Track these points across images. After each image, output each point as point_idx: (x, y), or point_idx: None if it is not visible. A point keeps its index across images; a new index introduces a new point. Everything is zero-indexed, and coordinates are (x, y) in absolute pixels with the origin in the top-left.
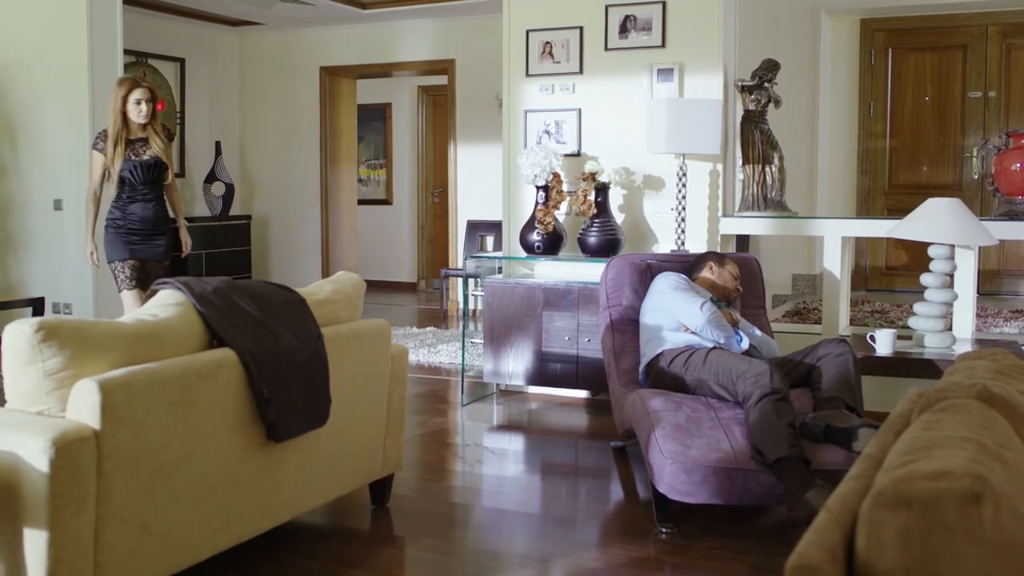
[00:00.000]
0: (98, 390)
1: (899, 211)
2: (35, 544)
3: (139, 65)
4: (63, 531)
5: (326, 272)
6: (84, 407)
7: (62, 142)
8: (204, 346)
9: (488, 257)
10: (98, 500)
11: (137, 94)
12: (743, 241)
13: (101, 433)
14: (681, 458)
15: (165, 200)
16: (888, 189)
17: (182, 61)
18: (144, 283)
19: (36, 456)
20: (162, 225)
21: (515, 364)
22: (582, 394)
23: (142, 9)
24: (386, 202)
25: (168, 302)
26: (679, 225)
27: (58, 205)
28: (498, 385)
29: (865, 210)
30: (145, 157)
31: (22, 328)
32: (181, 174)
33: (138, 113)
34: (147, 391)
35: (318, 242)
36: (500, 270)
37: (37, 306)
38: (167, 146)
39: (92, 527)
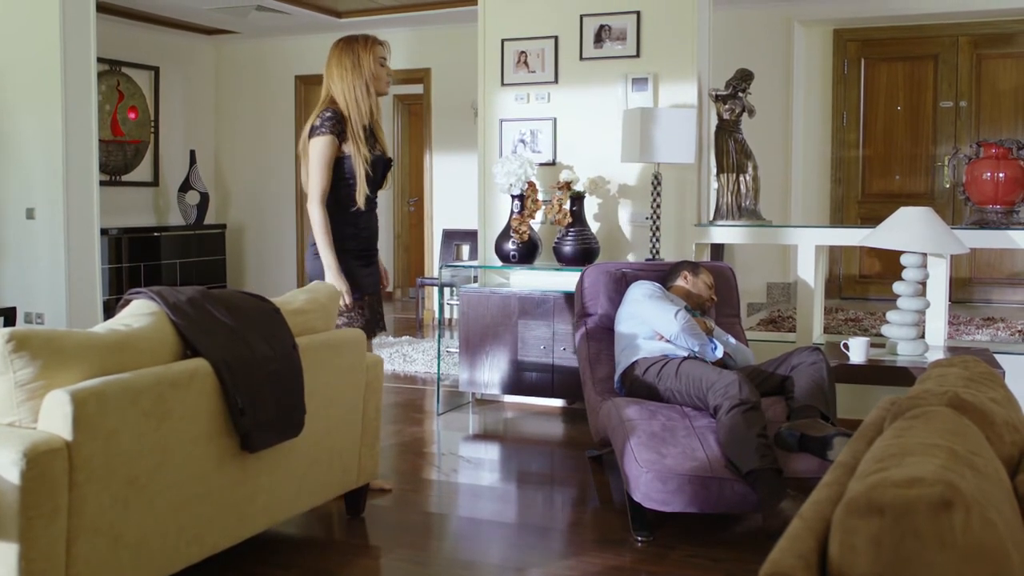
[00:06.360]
0: (70, 401)
1: (872, 220)
2: (6, 557)
3: (113, 73)
4: (34, 543)
5: (301, 282)
6: (56, 418)
7: (35, 151)
8: (178, 356)
9: (464, 266)
10: (70, 512)
11: (382, 51)
12: (718, 250)
13: (73, 444)
14: (656, 467)
15: None
16: (861, 198)
17: (156, 69)
18: (371, 328)
19: (7, 468)
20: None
21: (491, 373)
22: (558, 403)
23: (116, 17)
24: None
25: (141, 312)
26: (654, 234)
27: (30, 214)
28: (474, 394)
29: (839, 219)
30: (378, 152)
31: None
32: (155, 183)
33: (386, 80)
34: (120, 401)
35: (293, 251)
36: (476, 279)
37: (9, 316)
38: None
39: (64, 539)
